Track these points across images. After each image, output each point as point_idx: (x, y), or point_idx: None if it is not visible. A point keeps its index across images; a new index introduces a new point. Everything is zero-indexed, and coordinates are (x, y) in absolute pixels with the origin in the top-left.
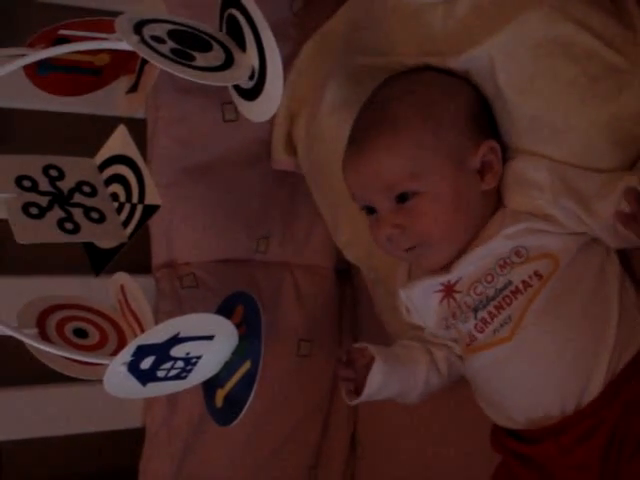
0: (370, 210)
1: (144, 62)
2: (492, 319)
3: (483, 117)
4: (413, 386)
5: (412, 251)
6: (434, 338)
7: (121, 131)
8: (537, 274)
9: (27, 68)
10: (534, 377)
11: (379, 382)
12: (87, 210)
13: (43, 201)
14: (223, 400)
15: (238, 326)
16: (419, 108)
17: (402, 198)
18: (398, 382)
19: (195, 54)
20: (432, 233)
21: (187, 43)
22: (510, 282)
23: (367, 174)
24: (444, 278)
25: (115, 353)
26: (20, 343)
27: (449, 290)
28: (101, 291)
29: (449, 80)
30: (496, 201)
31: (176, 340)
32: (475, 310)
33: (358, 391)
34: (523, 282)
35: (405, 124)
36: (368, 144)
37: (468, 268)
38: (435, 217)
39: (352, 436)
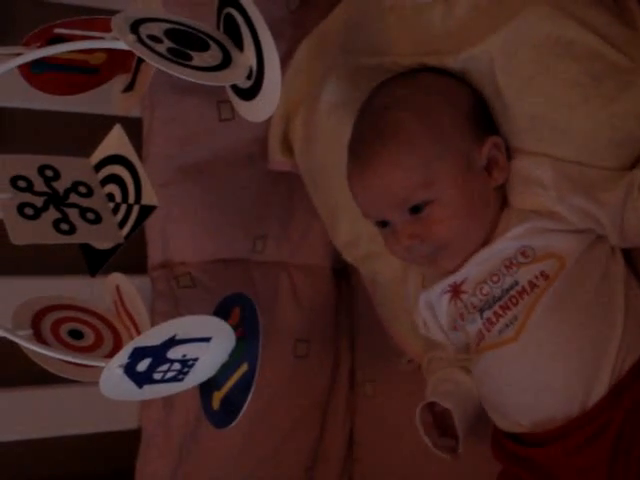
0: (383, 223)
1: (140, 61)
2: (497, 319)
3: (483, 115)
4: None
5: (431, 256)
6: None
7: (117, 131)
8: (543, 274)
9: (22, 67)
10: (539, 377)
11: (465, 427)
12: (83, 211)
13: (38, 201)
14: (220, 402)
15: (235, 328)
16: (419, 116)
17: (416, 209)
18: (471, 412)
19: (192, 53)
20: (450, 237)
21: (184, 42)
22: (516, 282)
23: (377, 191)
24: (451, 279)
25: (111, 355)
26: (15, 344)
27: (456, 290)
28: (97, 292)
29: (446, 81)
30: (503, 199)
31: (173, 342)
32: (481, 310)
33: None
34: (529, 282)
35: (407, 135)
36: (373, 160)
37: (474, 268)
38: (451, 222)
39: (349, 437)
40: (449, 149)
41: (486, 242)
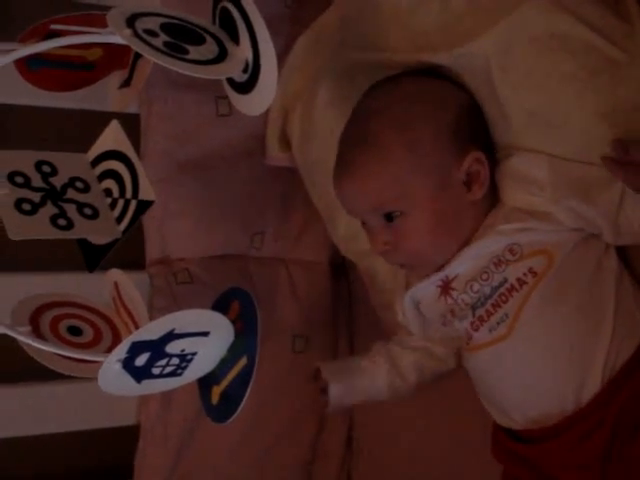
0: (364, 222)
1: (137, 57)
2: (489, 317)
3: (469, 125)
4: (377, 393)
5: (405, 265)
6: (414, 341)
7: (114, 126)
8: (532, 271)
9: (18, 63)
10: (531, 375)
11: (340, 399)
12: (80, 206)
13: (36, 197)
14: (219, 397)
15: (234, 322)
16: (399, 129)
17: (389, 217)
18: (360, 393)
19: (188, 47)
20: (420, 251)
21: (180, 36)
22: (505, 280)
23: (353, 195)
24: (442, 274)
25: (109, 350)
26: (14, 341)
27: (446, 287)
28: (95, 288)
29: (435, 87)
30: (490, 202)
31: (171, 336)
32: (473, 308)
33: None
34: (518, 279)
35: (384, 147)
36: (350, 165)
37: (463, 265)
38: (421, 236)
39: (348, 431)
40: (425, 165)
41: (471, 240)
